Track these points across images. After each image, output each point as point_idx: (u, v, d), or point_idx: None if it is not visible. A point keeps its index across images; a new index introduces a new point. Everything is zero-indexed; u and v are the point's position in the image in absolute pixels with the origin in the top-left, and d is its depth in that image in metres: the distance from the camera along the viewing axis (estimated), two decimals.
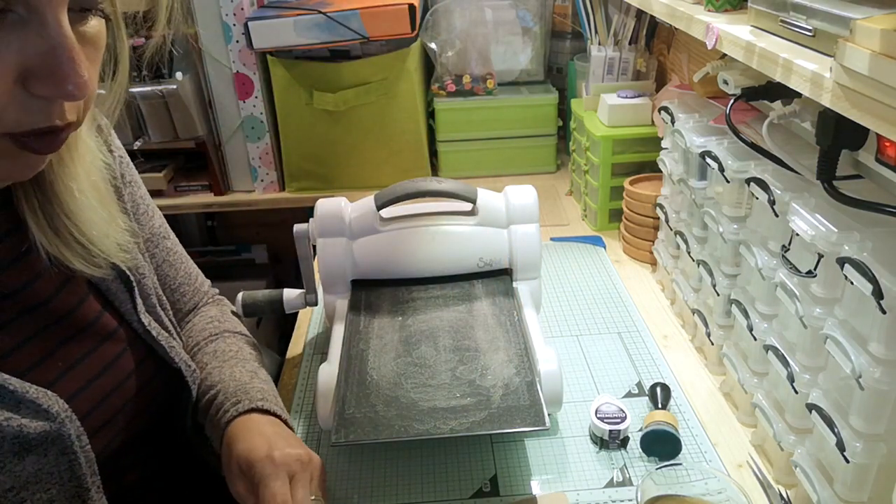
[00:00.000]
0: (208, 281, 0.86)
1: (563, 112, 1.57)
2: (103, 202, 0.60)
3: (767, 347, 0.74)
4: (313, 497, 0.63)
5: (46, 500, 0.53)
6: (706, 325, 0.92)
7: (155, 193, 1.24)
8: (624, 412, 0.80)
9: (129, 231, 0.64)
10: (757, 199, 0.75)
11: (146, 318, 0.66)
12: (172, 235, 0.79)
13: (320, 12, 1.32)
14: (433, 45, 1.52)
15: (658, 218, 1.10)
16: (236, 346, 0.78)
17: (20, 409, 0.51)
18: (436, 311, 0.86)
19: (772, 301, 0.76)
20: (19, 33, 0.42)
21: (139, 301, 0.65)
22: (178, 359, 0.68)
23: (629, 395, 0.88)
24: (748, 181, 0.76)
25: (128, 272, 0.64)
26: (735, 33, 0.69)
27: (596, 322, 1.03)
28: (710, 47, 0.74)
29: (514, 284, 0.91)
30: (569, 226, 1.34)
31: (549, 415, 0.70)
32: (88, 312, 0.61)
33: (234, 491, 0.64)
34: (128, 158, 0.73)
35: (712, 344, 0.91)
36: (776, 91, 0.76)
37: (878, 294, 0.55)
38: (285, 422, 0.70)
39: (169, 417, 0.70)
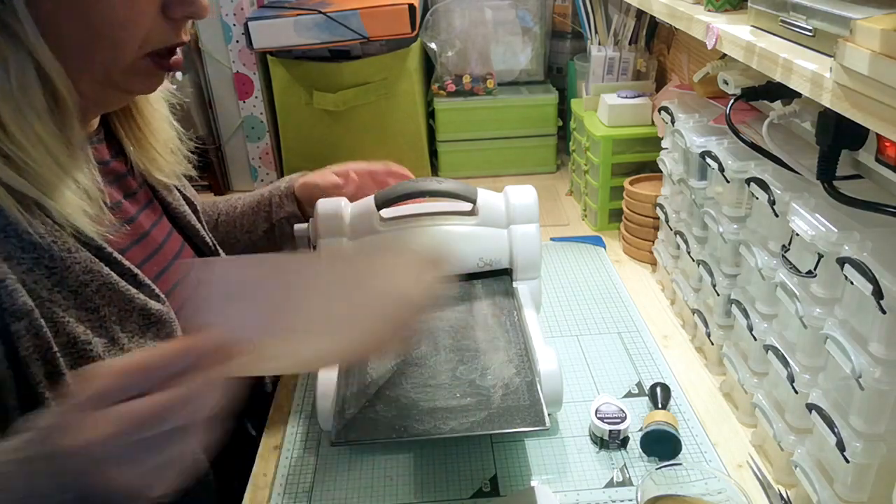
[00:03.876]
0: None
1: (563, 112, 1.57)
2: (173, 126, 0.77)
3: (767, 347, 0.74)
4: None
5: None
6: (706, 325, 0.92)
7: None
8: (624, 412, 0.80)
9: (188, 157, 0.79)
10: (757, 199, 0.75)
11: (210, 238, 0.80)
12: None
13: (320, 12, 1.32)
14: (433, 45, 1.52)
15: (658, 218, 1.10)
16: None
17: (141, 289, 0.61)
18: (436, 311, 0.86)
19: (772, 301, 0.76)
20: None
21: (202, 220, 0.80)
22: None
23: (629, 395, 0.88)
24: (748, 181, 0.76)
25: (192, 198, 0.81)
26: (735, 33, 0.69)
27: (596, 322, 1.03)
28: (710, 47, 0.74)
29: (514, 284, 0.91)
30: (569, 226, 1.34)
31: (549, 415, 0.70)
32: (162, 231, 0.73)
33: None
34: None
35: (712, 344, 0.91)
36: (776, 91, 0.76)
37: (878, 294, 0.55)
38: None
39: None
